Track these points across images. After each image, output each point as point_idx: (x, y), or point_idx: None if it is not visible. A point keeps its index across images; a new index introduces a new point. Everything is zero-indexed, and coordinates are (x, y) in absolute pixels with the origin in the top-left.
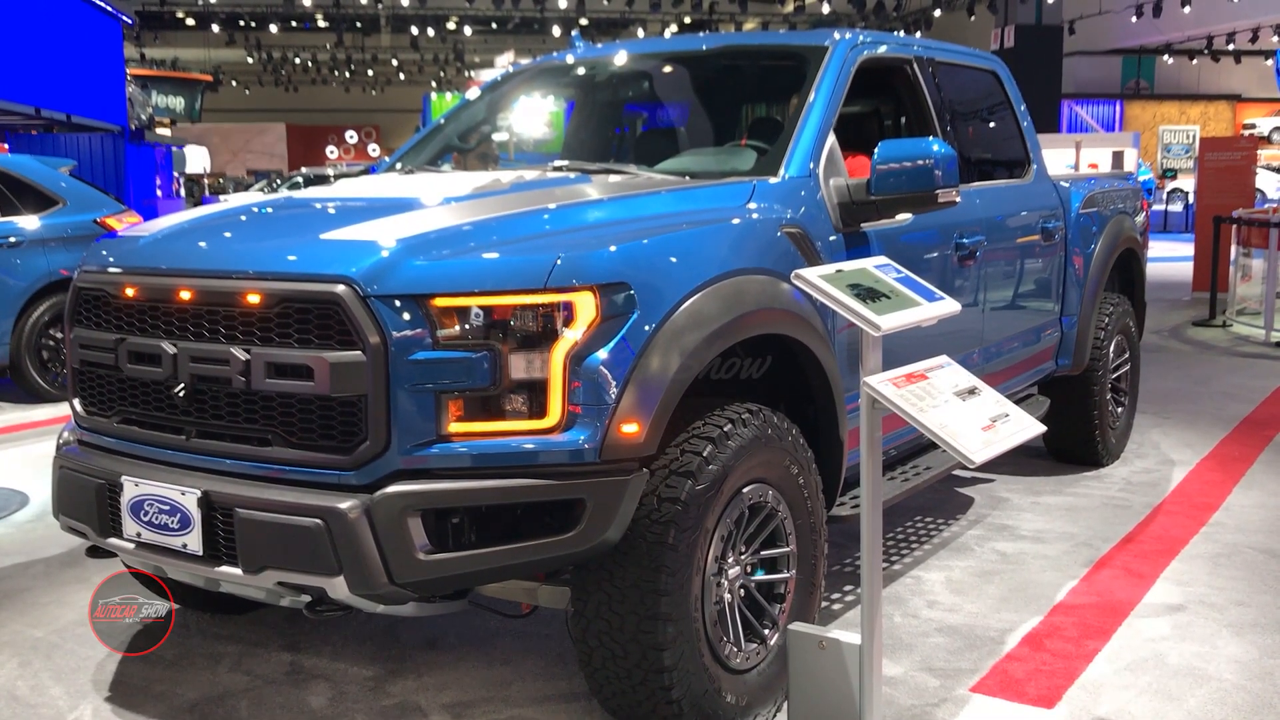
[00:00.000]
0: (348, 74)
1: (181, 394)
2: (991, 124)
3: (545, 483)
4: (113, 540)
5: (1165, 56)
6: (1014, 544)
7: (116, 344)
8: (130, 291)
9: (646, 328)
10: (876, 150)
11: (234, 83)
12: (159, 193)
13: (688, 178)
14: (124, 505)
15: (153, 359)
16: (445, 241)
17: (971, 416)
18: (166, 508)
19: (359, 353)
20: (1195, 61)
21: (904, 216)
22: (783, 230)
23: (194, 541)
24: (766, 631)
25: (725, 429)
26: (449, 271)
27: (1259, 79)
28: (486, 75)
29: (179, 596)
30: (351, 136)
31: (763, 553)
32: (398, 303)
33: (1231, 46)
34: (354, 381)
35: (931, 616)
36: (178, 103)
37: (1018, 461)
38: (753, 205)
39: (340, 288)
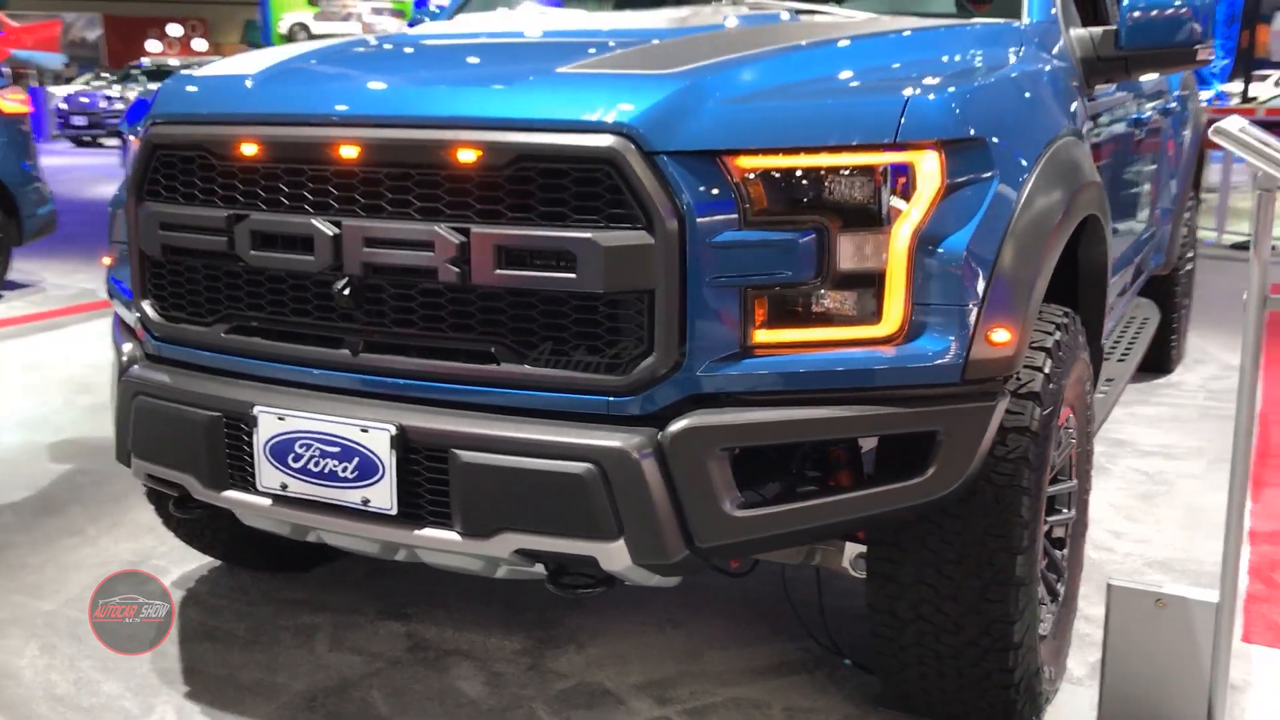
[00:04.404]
0: None
1: (346, 292)
2: None
3: (893, 411)
4: (232, 494)
5: None
6: (1146, 461)
7: (231, 223)
8: (251, 149)
9: (1010, 198)
10: None
11: None
12: None
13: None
14: (260, 447)
15: (299, 244)
16: (744, 79)
17: None
18: (336, 450)
19: (644, 232)
20: None
21: (1148, 77)
22: (1074, 82)
23: (381, 496)
24: (1059, 586)
25: (1056, 338)
26: (761, 119)
27: None
28: None
29: (222, 551)
30: (175, 30)
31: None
32: (695, 162)
33: None
34: (637, 272)
35: (1126, 549)
36: None
37: None
38: (1026, 51)
39: (613, 140)
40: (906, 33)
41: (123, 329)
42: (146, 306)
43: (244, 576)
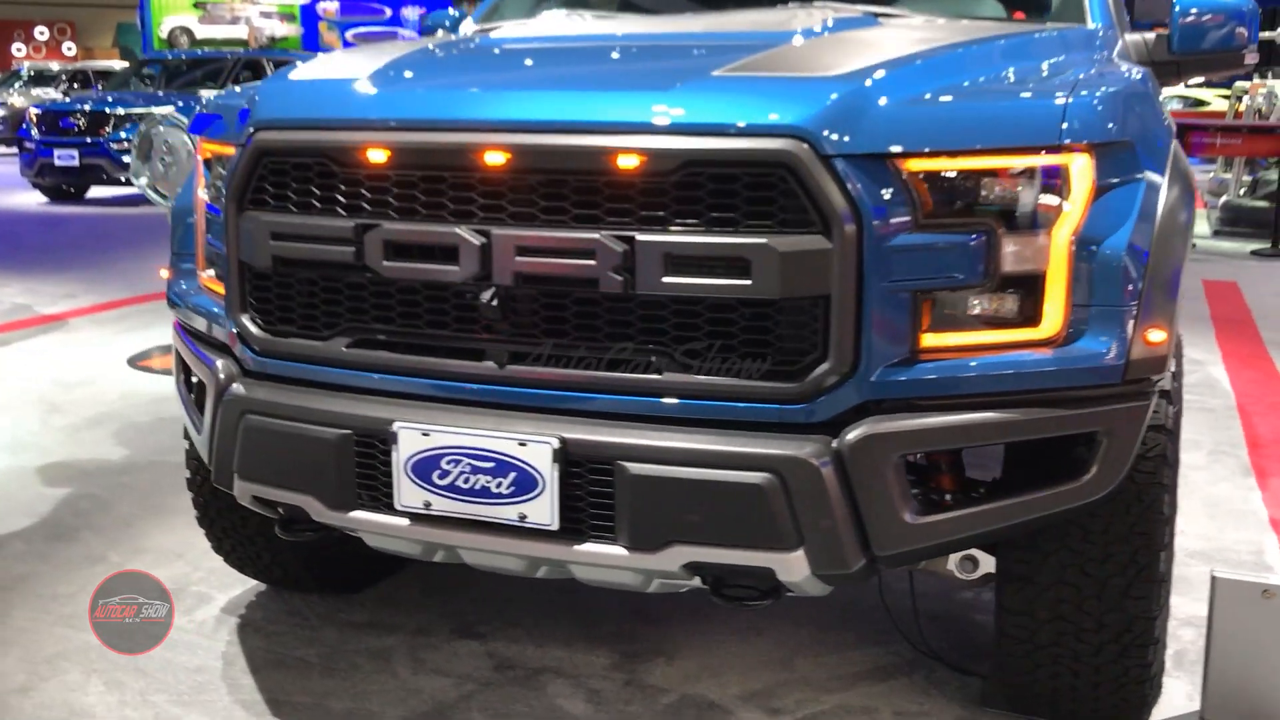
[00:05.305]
0: None
1: (494, 303)
2: None
3: (1061, 413)
4: (361, 515)
5: None
6: None
7: (359, 233)
8: (381, 155)
9: (1155, 198)
10: (1177, 0)
11: None
12: None
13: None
14: (400, 464)
15: (440, 253)
16: (907, 81)
17: None
18: (489, 465)
19: (820, 236)
20: None
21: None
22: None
23: (541, 511)
24: None
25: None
26: (930, 121)
27: None
28: None
29: (278, 574)
30: (42, 33)
31: None
32: (868, 165)
33: None
34: (814, 277)
35: None
36: None
37: None
38: (1111, 56)
39: (789, 144)
40: (1015, 37)
41: (202, 344)
42: (247, 320)
43: (295, 600)
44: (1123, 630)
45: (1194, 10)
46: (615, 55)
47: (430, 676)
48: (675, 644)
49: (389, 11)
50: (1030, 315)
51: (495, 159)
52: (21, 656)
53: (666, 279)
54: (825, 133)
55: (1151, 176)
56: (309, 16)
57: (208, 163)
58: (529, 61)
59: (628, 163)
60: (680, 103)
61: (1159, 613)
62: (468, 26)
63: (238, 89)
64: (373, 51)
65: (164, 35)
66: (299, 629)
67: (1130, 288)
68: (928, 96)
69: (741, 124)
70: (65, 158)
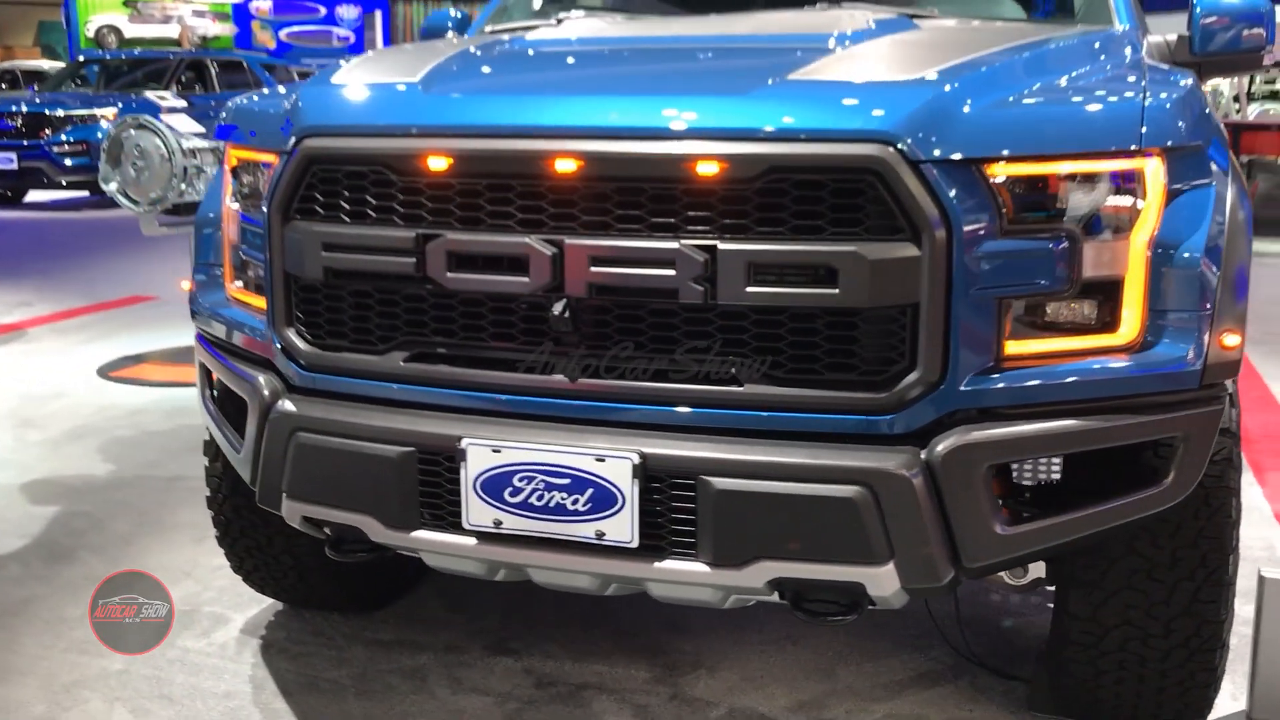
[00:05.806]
0: None
1: (566, 315)
2: None
3: (1143, 420)
4: (425, 534)
5: None
6: None
7: (420, 243)
8: (442, 163)
9: (1224, 201)
10: (1197, 2)
11: None
12: None
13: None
14: (469, 482)
15: (507, 264)
16: (988, 85)
17: None
18: (565, 482)
19: (909, 244)
20: None
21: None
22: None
23: (620, 528)
24: None
25: None
26: (1014, 125)
27: None
28: None
29: (303, 594)
30: None
31: None
32: (955, 170)
33: None
34: (903, 285)
35: None
36: None
37: None
38: (1142, 58)
39: (877, 149)
40: (1059, 40)
41: (235, 359)
42: (292, 334)
43: (316, 619)
44: (1190, 635)
45: (1214, 13)
46: (675, 59)
47: (470, 696)
48: (714, 655)
49: (323, 10)
50: (1108, 321)
51: (567, 166)
52: (39, 685)
53: (750, 289)
54: (913, 138)
55: (1218, 176)
56: (242, 15)
57: (235, 170)
58: (585, 65)
59: (708, 169)
60: (762, 107)
61: (1226, 616)
62: (486, 28)
63: (270, 92)
64: (413, 54)
65: (90, 34)
66: (326, 649)
67: (1206, 291)
68: (1008, 100)
69: (827, 129)
70: (3, 161)
